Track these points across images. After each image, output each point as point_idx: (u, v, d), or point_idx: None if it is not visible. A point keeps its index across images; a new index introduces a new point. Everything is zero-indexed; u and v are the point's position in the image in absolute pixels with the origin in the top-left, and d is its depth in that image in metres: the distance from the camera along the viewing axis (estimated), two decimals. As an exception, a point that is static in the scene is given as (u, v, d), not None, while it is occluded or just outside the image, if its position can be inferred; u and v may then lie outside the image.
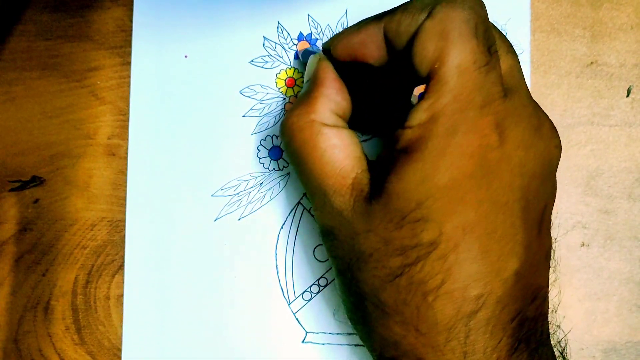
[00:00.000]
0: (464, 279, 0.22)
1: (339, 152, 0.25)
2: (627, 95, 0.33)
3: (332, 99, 0.26)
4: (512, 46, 0.26)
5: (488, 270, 0.23)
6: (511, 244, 0.23)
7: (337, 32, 0.33)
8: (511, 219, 0.23)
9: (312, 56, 0.29)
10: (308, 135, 0.25)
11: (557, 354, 0.26)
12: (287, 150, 0.27)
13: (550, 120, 0.26)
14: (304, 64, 0.32)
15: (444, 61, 0.23)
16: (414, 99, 0.24)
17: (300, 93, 0.28)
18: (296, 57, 0.33)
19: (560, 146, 0.26)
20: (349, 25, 0.30)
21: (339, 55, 0.27)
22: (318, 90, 0.26)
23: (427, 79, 0.24)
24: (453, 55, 0.23)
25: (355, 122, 0.28)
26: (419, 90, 0.24)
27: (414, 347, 0.23)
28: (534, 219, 0.24)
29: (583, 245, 0.33)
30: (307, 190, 0.26)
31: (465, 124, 0.23)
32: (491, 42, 0.24)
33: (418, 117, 0.23)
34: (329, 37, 0.32)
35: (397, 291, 0.23)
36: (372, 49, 0.26)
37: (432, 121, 0.23)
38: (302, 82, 0.33)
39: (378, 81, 0.27)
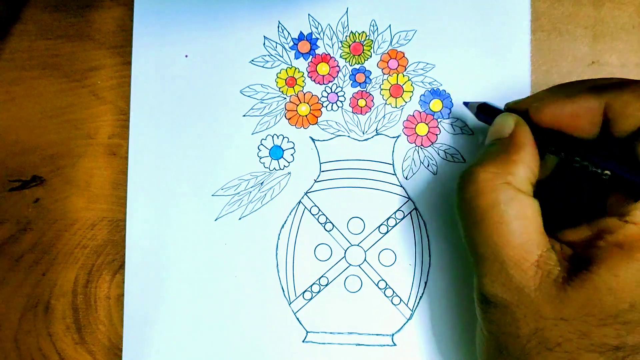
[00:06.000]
0: None
1: (529, 224, 0.24)
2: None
3: (530, 166, 0.25)
4: None
5: None
6: None
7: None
8: None
9: (504, 114, 0.27)
10: (500, 198, 0.24)
11: None
12: (464, 203, 0.25)
13: None
14: (477, 116, 0.30)
15: None
16: None
17: (487, 149, 0.26)
18: (465, 105, 0.31)
19: None
20: (552, 86, 0.27)
21: (541, 121, 0.25)
22: (518, 154, 0.25)
23: None
24: None
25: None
26: None
27: None
28: None
29: None
30: (474, 251, 0.25)
31: None
32: None
33: None
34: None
35: None
36: (585, 124, 0.24)
37: None
38: (303, 81, 0.33)
39: (580, 154, 0.24)
